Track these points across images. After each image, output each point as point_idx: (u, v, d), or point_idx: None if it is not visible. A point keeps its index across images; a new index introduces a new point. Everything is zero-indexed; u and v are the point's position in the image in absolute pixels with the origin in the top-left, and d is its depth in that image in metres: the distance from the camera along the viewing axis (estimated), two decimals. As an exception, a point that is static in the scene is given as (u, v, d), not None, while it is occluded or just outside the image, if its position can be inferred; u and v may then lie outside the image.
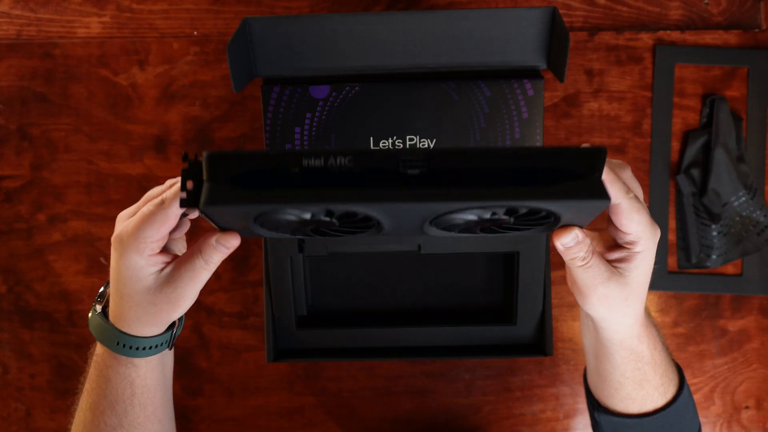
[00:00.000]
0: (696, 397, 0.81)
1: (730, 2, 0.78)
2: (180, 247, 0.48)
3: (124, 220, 0.44)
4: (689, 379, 0.81)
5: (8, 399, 0.82)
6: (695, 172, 0.78)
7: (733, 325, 0.80)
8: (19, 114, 0.79)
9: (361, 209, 0.35)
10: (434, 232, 0.40)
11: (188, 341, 0.81)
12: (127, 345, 0.45)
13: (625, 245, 0.43)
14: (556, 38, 0.62)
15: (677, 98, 0.78)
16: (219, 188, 0.35)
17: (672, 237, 0.79)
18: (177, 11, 0.79)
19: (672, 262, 0.79)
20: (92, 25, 0.79)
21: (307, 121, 0.67)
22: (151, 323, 0.45)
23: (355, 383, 0.82)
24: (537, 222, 0.39)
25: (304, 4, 0.78)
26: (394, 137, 0.67)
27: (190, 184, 0.37)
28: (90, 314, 0.48)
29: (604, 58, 0.78)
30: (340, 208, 0.35)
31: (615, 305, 0.44)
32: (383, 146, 0.67)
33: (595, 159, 0.33)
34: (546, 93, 0.77)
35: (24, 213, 0.80)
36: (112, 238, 0.45)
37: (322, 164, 0.34)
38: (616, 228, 0.43)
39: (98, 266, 0.80)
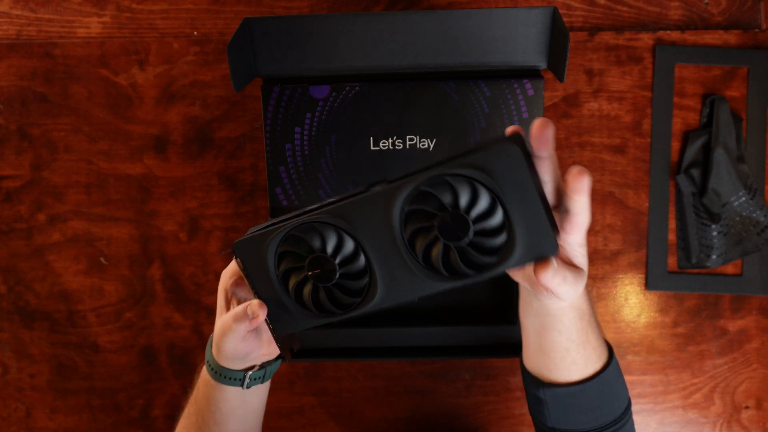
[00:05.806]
0: (696, 397, 0.81)
1: (730, 2, 0.78)
2: (244, 295, 0.57)
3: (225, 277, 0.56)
4: (689, 380, 0.81)
5: (8, 399, 0.82)
6: (695, 172, 0.78)
7: (733, 325, 0.80)
8: (19, 114, 0.79)
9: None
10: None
11: (188, 341, 0.81)
12: (212, 368, 0.56)
13: (568, 221, 0.44)
14: (556, 38, 0.62)
15: (677, 98, 0.78)
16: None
17: (672, 237, 0.79)
18: (177, 11, 0.79)
19: (672, 262, 0.79)
20: (92, 25, 0.79)
21: (307, 121, 0.67)
22: (225, 360, 0.55)
23: (355, 383, 0.82)
24: (492, 232, 0.42)
25: (304, 4, 0.78)
26: (394, 137, 0.67)
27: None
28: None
29: (604, 58, 0.78)
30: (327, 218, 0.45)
31: (574, 288, 0.45)
32: (383, 146, 0.67)
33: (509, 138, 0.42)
34: (546, 93, 0.77)
35: (24, 213, 0.80)
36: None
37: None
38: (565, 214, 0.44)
39: (98, 266, 0.80)
